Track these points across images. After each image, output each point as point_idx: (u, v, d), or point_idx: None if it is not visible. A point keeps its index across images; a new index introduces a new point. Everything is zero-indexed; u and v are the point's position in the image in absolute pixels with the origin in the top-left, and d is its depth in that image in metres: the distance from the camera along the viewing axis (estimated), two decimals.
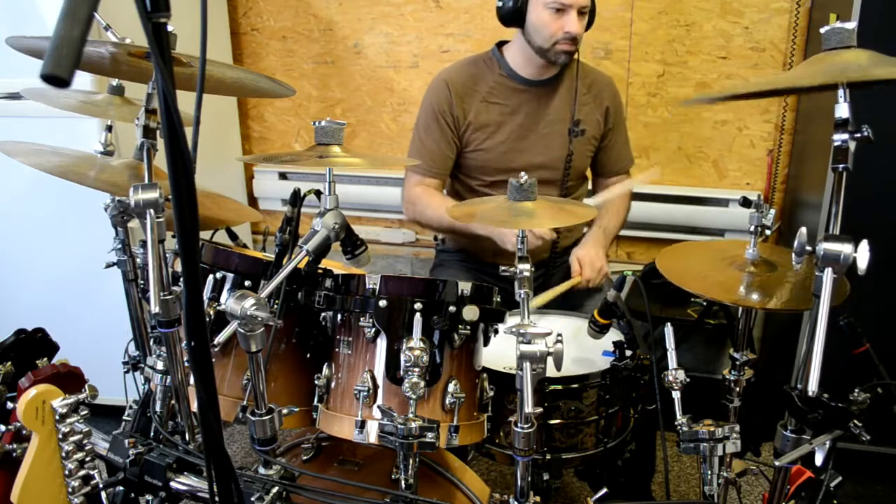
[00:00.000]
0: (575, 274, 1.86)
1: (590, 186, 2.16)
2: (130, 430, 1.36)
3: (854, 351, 1.22)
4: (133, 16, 0.68)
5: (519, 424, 1.09)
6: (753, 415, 1.42)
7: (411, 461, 1.12)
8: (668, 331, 1.28)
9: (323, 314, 1.25)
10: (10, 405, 1.34)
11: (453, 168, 2.01)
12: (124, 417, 1.43)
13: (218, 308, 1.22)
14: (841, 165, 0.96)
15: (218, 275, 1.29)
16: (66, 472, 1.14)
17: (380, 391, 1.16)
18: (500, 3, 1.84)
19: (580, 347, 1.54)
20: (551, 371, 1.07)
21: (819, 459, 1.01)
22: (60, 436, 1.12)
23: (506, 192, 1.93)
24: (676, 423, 1.23)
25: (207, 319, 1.22)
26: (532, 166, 1.91)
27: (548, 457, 1.36)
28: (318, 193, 1.23)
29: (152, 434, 1.34)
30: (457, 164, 1.99)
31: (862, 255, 0.92)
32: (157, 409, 1.32)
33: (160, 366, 1.29)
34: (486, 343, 1.28)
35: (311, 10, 2.81)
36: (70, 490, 1.14)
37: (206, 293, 1.28)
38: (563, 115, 1.94)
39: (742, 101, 2.44)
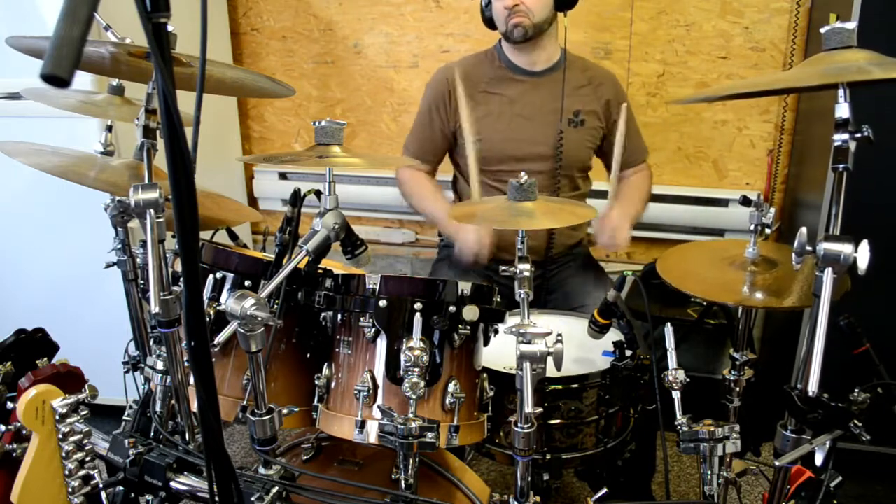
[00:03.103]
0: (598, 233, 1.83)
1: (594, 186, 2.16)
2: (130, 430, 1.36)
3: (854, 351, 1.22)
4: (133, 16, 0.68)
5: (519, 424, 1.09)
6: (753, 415, 1.42)
7: (411, 461, 1.12)
8: (668, 331, 1.28)
9: (323, 314, 1.25)
10: (10, 405, 1.34)
11: (455, 159, 2.09)
12: (124, 417, 1.43)
13: (218, 308, 1.22)
14: (841, 165, 0.96)
15: (218, 275, 1.28)
16: (66, 472, 1.14)
17: (380, 391, 1.16)
18: (481, 12, 1.99)
19: (580, 347, 1.54)
20: (551, 371, 1.07)
21: (819, 459, 1.01)
22: (60, 436, 1.12)
23: (504, 181, 1.94)
24: (676, 423, 1.23)
25: (207, 319, 1.22)
26: (529, 155, 1.96)
27: (548, 457, 1.36)
28: (318, 193, 1.23)
29: (152, 434, 1.34)
30: (458, 153, 2.06)
31: (862, 255, 0.92)
32: (157, 409, 1.32)
33: (160, 366, 1.29)
34: (486, 343, 1.28)
35: (311, 10, 2.81)
36: (70, 490, 1.14)
37: (206, 293, 1.28)
38: (564, 106, 1.96)
39: (742, 101, 2.44)
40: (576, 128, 1.97)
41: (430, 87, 2.05)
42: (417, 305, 1.14)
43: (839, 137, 0.97)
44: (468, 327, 1.18)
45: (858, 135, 0.96)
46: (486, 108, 1.98)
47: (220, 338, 1.04)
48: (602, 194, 2.13)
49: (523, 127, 1.97)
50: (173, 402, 1.25)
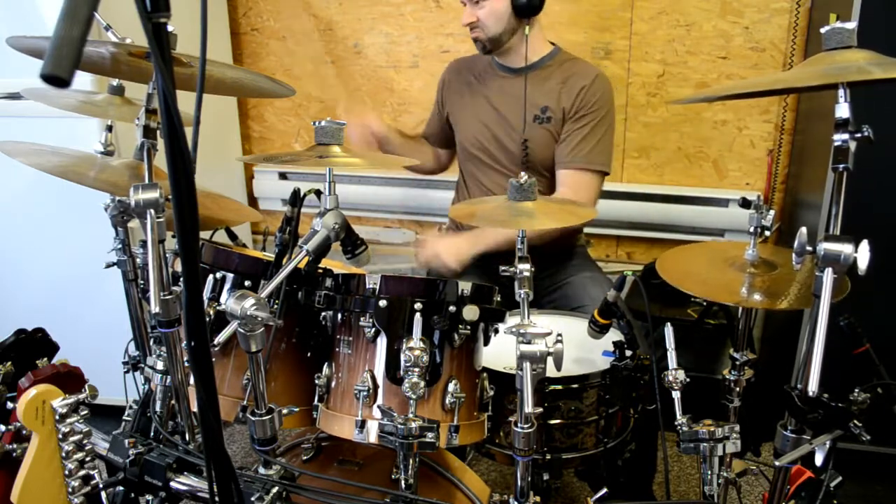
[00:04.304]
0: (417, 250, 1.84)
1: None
2: (130, 430, 1.36)
3: (854, 351, 1.22)
4: (133, 16, 0.68)
5: (519, 424, 1.09)
6: (753, 415, 1.42)
7: (411, 461, 1.12)
8: (668, 331, 1.28)
9: (323, 314, 1.25)
10: (10, 405, 1.34)
11: (459, 161, 2.22)
12: (124, 417, 1.43)
13: (218, 308, 1.22)
14: (841, 165, 0.96)
15: (218, 275, 1.28)
16: (66, 472, 1.14)
17: (380, 391, 1.16)
18: None
19: (580, 347, 1.54)
20: (551, 371, 1.07)
21: (819, 459, 1.01)
22: (60, 436, 1.13)
23: (487, 167, 2.05)
24: (676, 423, 1.23)
25: (207, 319, 1.22)
26: (499, 148, 2.04)
27: (548, 457, 1.36)
28: (318, 193, 1.23)
29: (152, 434, 1.34)
30: (455, 141, 2.20)
31: (862, 255, 0.92)
32: (157, 409, 1.32)
33: (160, 366, 1.29)
34: (486, 343, 1.28)
35: (311, 10, 2.81)
36: (70, 490, 1.14)
37: (206, 293, 1.28)
38: (534, 102, 1.97)
39: (742, 101, 2.44)
40: (541, 124, 1.97)
41: (445, 71, 2.25)
42: (417, 305, 1.14)
43: (839, 137, 0.97)
44: (468, 327, 1.18)
45: (858, 135, 0.96)
46: (469, 100, 2.10)
47: (220, 338, 1.04)
48: (603, 194, 2.14)
49: (495, 120, 2.04)
50: (173, 402, 1.25)
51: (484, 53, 2.01)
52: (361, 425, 1.13)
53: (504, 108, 2.02)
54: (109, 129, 1.48)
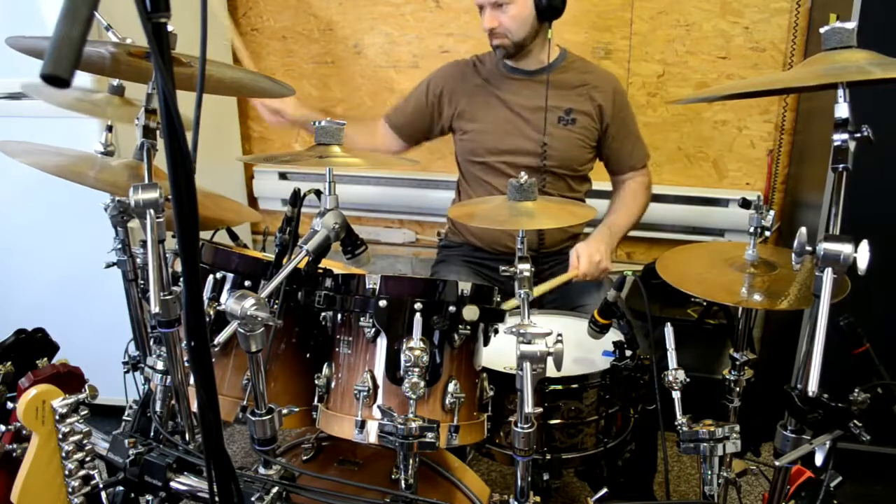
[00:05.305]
0: (572, 267, 1.83)
1: (594, 186, 2.17)
2: (130, 430, 1.36)
3: (854, 351, 1.22)
4: (133, 16, 0.67)
5: (519, 424, 1.09)
6: (753, 415, 1.42)
7: (411, 461, 1.12)
8: (668, 331, 1.28)
9: (323, 314, 1.25)
10: (10, 405, 1.34)
11: (456, 150, 2.15)
12: (124, 417, 1.43)
13: (218, 308, 1.22)
14: (841, 165, 0.96)
15: (218, 275, 1.28)
16: (66, 472, 1.14)
17: (380, 391, 1.16)
18: None
19: (580, 347, 1.54)
20: (551, 371, 1.07)
21: (819, 459, 1.01)
22: (60, 436, 1.12)
23: (499, 170, 2.02)
24: (676, 423, 1.23)
25: (207, 319, 1.22)
26: (515, 149, 2.01)
27: (548, 457, 1.36)
28: (318, 193, 1.23)
29: (152, 434, 1.34)
30: (456, 145, 2.14)
31: (862, 255, 0.92)
32: (157, 409, 1.32)
33: (160, 366, 1.29)
34: (486, 343, 1.28)
35: (311, 10, 2.80)
36: (70, 490, 1.14)
37: (206, 293, 1.28)
38: (555, 104, 1.97)
39: (742, 101, 2.44)
40: (566, 125, 1.98)
41: (437, 72, 2.14)
42: (417, 305, 1.14)
43: (839, 137, 0.97)
44: (468, 327, 1.18)
45: (858, 135, 0.96)
46: (477, 103, 2.05)
47: (220, 338, 1.04)
48: (603, 194, 2.15)
49: (511, 121, 2.01)
50: (173, 402, 1.25)
51: (506, 59, 1.98)
52: (361, 425, 1.13)
53: (525, 111, 2.00)
54: (109, 129, 1.48)
